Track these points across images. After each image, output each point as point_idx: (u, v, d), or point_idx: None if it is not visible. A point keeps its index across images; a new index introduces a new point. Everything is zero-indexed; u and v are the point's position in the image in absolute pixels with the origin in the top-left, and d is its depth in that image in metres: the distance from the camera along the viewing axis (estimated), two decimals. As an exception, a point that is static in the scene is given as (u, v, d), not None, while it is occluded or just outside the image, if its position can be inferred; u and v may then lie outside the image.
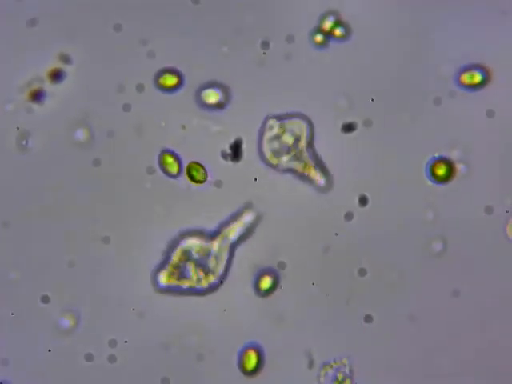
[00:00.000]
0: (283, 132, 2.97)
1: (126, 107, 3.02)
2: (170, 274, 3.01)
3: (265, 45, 3.00)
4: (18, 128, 3.03)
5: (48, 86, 3.03)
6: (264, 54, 3.00)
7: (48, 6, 3.03)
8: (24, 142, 3.02)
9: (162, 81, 3.03)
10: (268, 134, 3.00)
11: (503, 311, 2.99)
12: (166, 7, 3.03)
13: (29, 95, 3.02)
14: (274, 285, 3.02)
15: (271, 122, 2.99)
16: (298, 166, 3.01)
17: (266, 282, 3.02)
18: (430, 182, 3.00)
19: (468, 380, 2.97)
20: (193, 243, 3.02)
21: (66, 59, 3.02)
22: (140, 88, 3.01)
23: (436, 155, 2.98)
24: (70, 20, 3.03)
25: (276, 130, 2.99)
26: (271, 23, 3.00)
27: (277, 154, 3.00)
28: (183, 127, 2.99)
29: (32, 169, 3.05)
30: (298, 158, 3.00)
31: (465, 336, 2.98)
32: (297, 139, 2.99)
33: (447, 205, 2.99)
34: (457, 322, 2.98)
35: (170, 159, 3.02)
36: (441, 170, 2.99)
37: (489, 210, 2.97)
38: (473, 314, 2.98)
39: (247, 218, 2.98)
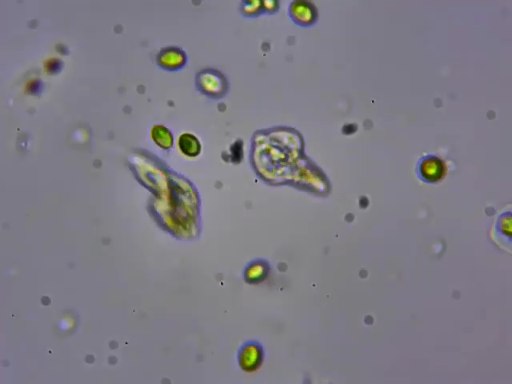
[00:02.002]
0: (270, 148, 2.98)
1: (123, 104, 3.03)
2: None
3: (265, 46, 3.00)
4: (18, 129, 3.02)
5: (45, 78, 3.02)
6: (264, 55, 3.00)
7: (47, 6, 3.04)
8: (23, 144, 3.02)
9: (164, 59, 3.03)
10: (258, 150, 3.00)
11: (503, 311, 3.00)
12: (166, 7, 3.03)
13: (26, 87, 3.01)
14: (263, 275, 3.02)
15: (260, 138, 2.99)
16: (294, 176, 3.00)
17: (256, 271, 3.03)
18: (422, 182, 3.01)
19: (468, 380, 2.98)
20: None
21: (63, 50, 3.01)
22: (136, 83, 3.02)
23: (424, 154, 2.98)
24: (67, 17, 3.04)
25: (265, 146, 2.99)
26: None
27: (269, 168, 3.00)
28: (170, 104, 2.98)
29: (32, 170, 3.05)
30: (292, 168, 3.00)
31: (465, 336, 2.99)
32: (287, 151, 2.99)
33: (447, 205, 3.00)
34: (457, 322, 2.99)
35: (161, 132, 3.00)
36: (432, 169, 2.99)
37: (489, 210, 2.97)
38: (473, 314, 2.99)
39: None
